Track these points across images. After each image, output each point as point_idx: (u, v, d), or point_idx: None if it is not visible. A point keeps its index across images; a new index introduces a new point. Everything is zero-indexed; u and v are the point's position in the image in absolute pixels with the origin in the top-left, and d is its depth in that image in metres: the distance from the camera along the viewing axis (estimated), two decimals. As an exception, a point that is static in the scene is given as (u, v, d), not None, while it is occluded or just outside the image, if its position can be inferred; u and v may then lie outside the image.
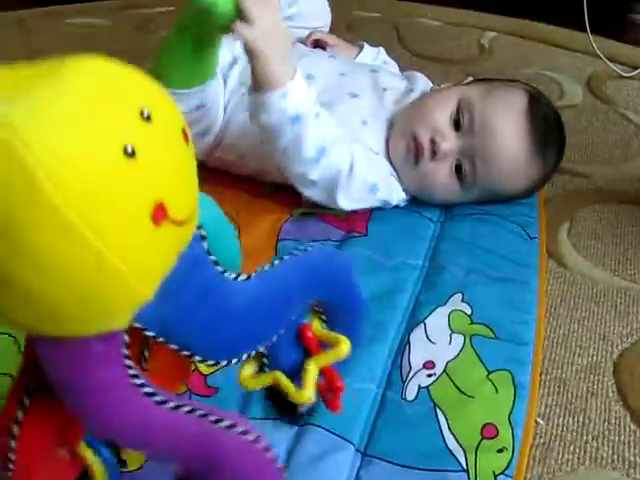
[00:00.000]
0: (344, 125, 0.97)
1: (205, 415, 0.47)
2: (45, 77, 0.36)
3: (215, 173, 1.09)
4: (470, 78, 1.07)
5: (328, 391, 0.63)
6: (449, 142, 0.95)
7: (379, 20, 1.78)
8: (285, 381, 0.60)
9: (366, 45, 1.25)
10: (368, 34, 1.67)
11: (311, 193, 0.96)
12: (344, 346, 0.59)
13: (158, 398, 0.46)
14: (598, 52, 1.47)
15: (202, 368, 0.78)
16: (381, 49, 1.26)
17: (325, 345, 0.61)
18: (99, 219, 0.35)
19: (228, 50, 1.07)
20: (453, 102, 0.97)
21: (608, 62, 1.47)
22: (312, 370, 0.58)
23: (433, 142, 0.95)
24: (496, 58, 1.57)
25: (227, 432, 0.47)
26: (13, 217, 0.34)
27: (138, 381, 0.45)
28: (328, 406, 0.65)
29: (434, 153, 0.96)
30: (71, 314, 0.38)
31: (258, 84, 0.86)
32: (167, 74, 0.90)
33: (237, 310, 0.48)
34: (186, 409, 0.47)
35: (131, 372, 0.45)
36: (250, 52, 0.84)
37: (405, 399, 0.74)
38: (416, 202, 1.03)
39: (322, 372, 0.60)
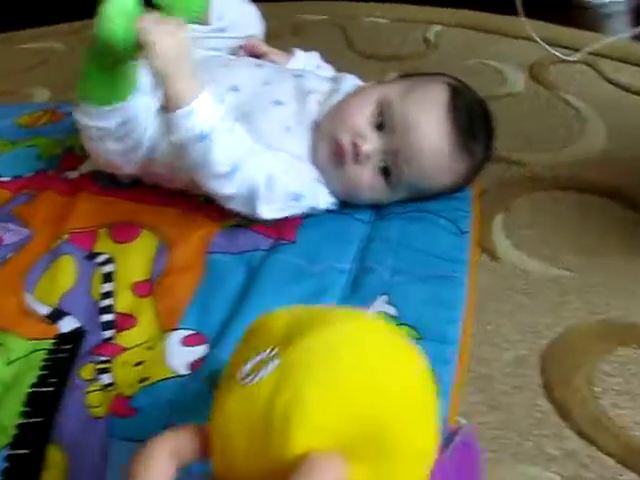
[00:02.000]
0: (267, 134, 0.97)
1: None
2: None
3: (147, 189, 1.09)
4: (394, 74, 1.05)
5: None
6: (371, 143, 0.94)
7: (326, 22, 1.76)
8: None
9: (298, 50, 1.23)
10: (314, 38, 1.67)
11: (232, 206, 0.96)
12: None
13: None
14: (534, 36, 1.46)
15: (124, 389, 0.77)
16: (314, 53, 1.25)
17: None
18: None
19: None
20: (372, 102, 0.95)
21: (546, 46, 1.45)
22: None
23: (355, 145, 0.94)
24: (441, 51, 1.56)
25: None
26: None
27: None
28: None
29: (357, 155, 0.94)
30: None
31: (167, 104, 0.89)
32: (89, 92, 0.96)
33: None
34: None
35: None
36: (156, 75, 0.88)
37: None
38: (349, 204, 1.02)
39: None
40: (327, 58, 1.29)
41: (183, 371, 0.79)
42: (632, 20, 1.75)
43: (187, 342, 0.83)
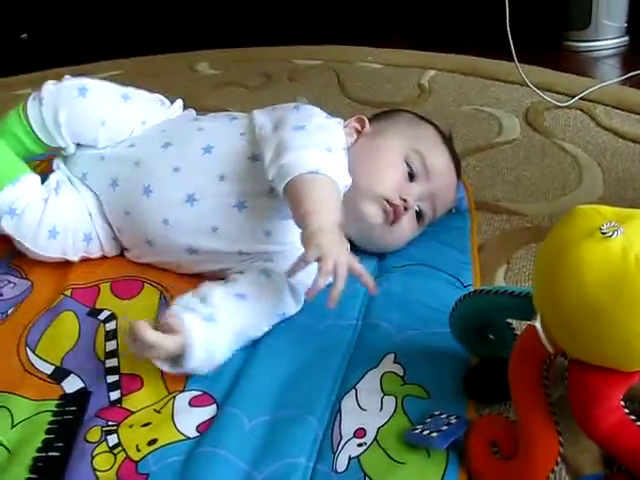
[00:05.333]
0: None
1: None
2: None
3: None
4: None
5: None
6: (413, 194, 1.01)
7: (321, 67, 1.78)
8: None
9: None
10: (309, 83, 1.69)
11: None
12: None
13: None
14: (528, 83, 1.48)
15: (131, 452, 0.77)
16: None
17: None
18: None
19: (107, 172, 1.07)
20: (400, 157, 1.02)
21: (540, 92, 1.47)
22: None
23: (404, 200, 1.00)
24: (436, 97, 1.57)
25: None
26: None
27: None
28: None
29: (406, 210, 1.01)
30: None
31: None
32: None
33: None
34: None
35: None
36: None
37: (336, 471, 0.73)
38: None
39: None
40: (322, 104, 1.30)
41: (191, 434, 0.79)
42: (620, 64, 1.78)
43: (195, 403, 0.83)
